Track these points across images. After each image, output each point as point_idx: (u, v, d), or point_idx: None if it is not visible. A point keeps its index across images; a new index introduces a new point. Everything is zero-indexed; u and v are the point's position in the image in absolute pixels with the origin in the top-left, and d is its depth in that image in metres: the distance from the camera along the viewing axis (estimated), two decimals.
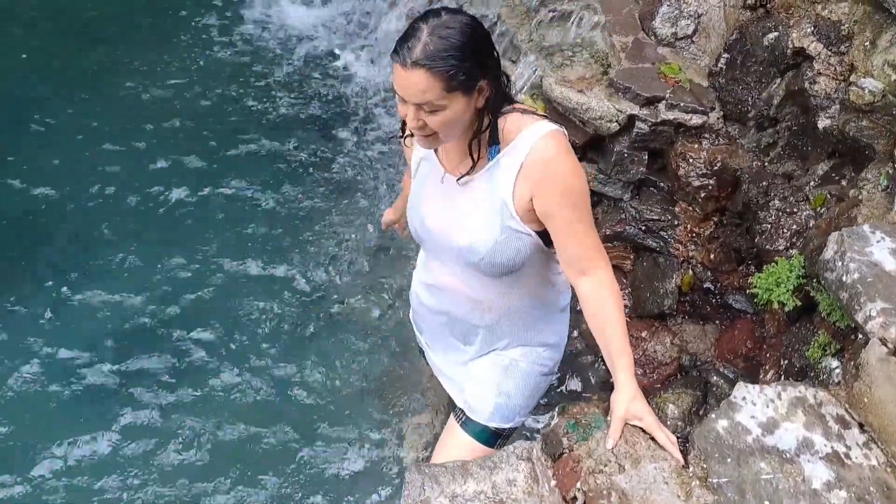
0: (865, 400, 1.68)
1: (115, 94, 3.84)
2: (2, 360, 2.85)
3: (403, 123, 1.76)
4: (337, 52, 4.03)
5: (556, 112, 2.84)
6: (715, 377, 2.50)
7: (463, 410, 2.04)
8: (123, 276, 3.16)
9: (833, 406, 1.71)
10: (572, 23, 3.02)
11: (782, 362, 2.21)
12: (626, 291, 2.92)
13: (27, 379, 2.80)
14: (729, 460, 1.58)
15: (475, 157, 1.72)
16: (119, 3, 4.37)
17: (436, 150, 1.82)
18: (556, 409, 2.53)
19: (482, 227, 1.78)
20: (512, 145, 1.71)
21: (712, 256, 2.66)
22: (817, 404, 1.71)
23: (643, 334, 2.75)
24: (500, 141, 1.72)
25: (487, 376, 2.02)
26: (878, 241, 1.78)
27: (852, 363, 1.72)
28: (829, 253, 1.82)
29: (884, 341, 1.63)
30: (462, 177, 1.76)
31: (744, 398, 1.72)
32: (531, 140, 1.70)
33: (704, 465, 1.58)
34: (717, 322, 2.67)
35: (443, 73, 1.53)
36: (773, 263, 2.13)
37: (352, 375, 2.90)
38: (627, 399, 1.66)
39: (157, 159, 3.57)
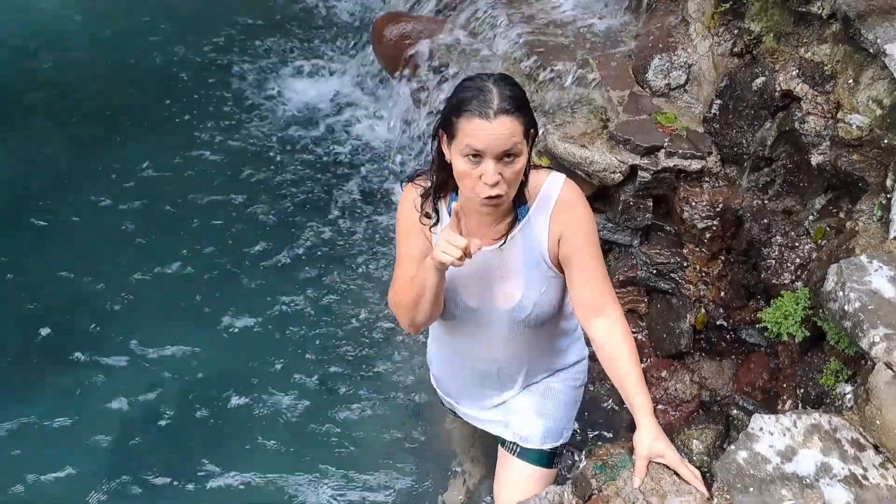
0: (878, 422, 1.74)
1: (132, 177, 3.95)
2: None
3: (426, 213, 1.85)
4: (349, 119, 4.21)
5: (562, 167, 2.98)
6: (735, 410, 2.56)
7: (515, 443, 2.11)
8: (153, 349, 3.25)
9: (848, 430, 1.78)
10: (570, 82, 3.19)
11: (798, 391, 2.27)
12: (644, 334, 3.00)
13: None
14: (752, 489, 1.65)
15: (516, 216, 1.83)
16: (131, 87, 4.53)
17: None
18: (584, 452, 2.59)
19: (526, 285, 1.88)
20: (539, 199, 1.83)
21: (722, 294, 2.75)
22: (832, 430, 1.78)
23: (663, 374, 2.82)
24: (527, 199, 1.83)
25: (528, 406, 2.12)
26: (875, 270, 1.87)
27: (863, 388, 1.80)
28: (829, 284, 1.91)
29: (889, 365, 1.71)
30: (503, 240, 1.84)
31: (761, 429, 1.79)
32: (555, 190, 1.84)
33: (728, 496, 1.65)
34: (733, 357, 2.74)
35: (523, 116, 1.67)
36: (779, 297, 2.22)
37: (385, 427, 2.98)
38: (650, 438, 1.73)
39: (177, 239, 3.68)
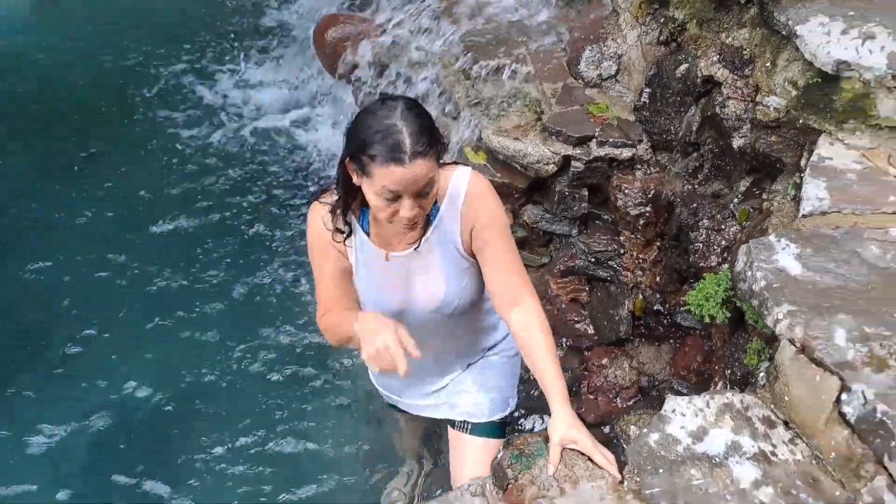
0: (786, 398, 1.77)
1: (98, 186, 3.97)
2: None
3: (338, 229, 1.83)
4: (293, 123, 4.21)
5: (498, 160, 3.00)
6: (670, 394, 2.58)
7: (465, 421, 2.16)
8: (114, 361, 3.26)
9: (759, 408, 1.80)
10: (505, 76, 3.21)
11: (726, 373, 2.30)
12: (586, 322, 3.03)
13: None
14: (661, 471, 1.67)
15: (428, 216, 1.83)
16: (94, 94, 4.53)
17: (368, 235, 1.88)
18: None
19: (447, 282, 1.91)
20: (448, 196, 1.84)
21: (658, 279, 2.78)
22: (744, 408, 1.80)
23: (603, 361, 2.84)
24: (437, 198, 1.83)
25: (471, 383, 2.17)
26: (783, 249, 1.90)
27: (772, 365, 1.82)
28: (739, 265, 1.94)
29: (792, 341, 1.73)
30: (419, 243, 1.85)
31: (674, 410, 1.81)
32: (463, 184, 1.85)
33: (638, 479, 1.66)
34: (670, 341, 2.76)
35: (435, 149, 1.65)
36: (698, 281, 2.25)
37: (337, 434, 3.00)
38: (564, 425, 1.75)
39: (140, 248, 3.71)
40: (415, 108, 1.66)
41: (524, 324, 1.87)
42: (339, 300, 1.92)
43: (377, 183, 1.64)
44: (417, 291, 1.93)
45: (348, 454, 2.94)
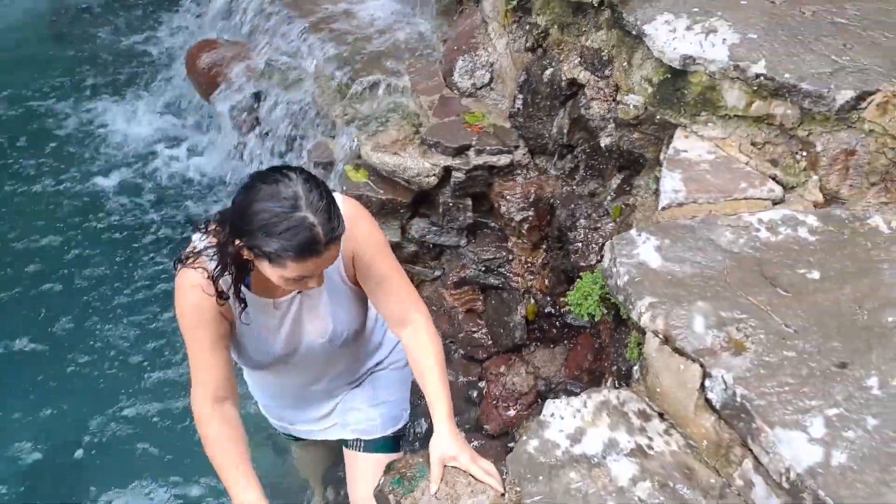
0: (658, 390, 1.80)
1: None
2: None
3: (219, 293, 1.69)
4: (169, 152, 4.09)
5: (380, 176, 2.98)
6: (549, 399, 2.60)
7: (357, 439, 2.12)
8: None
9: (635, 402, 1.83)
10: (381, 91, 3.19)
11: (613, 369, 2.33)
12: (483, 332, 3.03)
13: None
14: (541, 478, 1.66)
15: None
16: None
17: (250, 288, 1.78)
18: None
19: (334, 314, 1.87)
20: None
21: (546, 282, 2.80)
22: (620, 404, 1.82)
23: (501, 369, 2.85)
24: None
25: (361, 399, 2.13)
26: (643, 242, 1.94)
27: (643, 358, 1.85)
28: (606, 261, 1.97)
29: (656, 332, 1.76)
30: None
31: (552, 414, 1.82)
32: None
33: (518, 489, 1.65)
34: (564, 342, 2.79)
35: (342, 229, 1.59)
36: (578, 280, 2.27)
37: None
38: (443, 443, 1.73)
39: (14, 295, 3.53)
40: (312, 185, 1.57)
41: (413, 343, 1.87)
42: (219, 381, 1.77)
43: (288, 273, 1.57)
44: (307, 331, 1.89)
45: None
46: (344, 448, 2.18)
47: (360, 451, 2.13)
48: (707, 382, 1.66)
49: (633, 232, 1.98)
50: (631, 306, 1.83)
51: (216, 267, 1.67)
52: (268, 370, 1.99)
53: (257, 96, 3.50)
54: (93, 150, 4.20)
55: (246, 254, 1.61)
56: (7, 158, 4.15)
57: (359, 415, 2.12)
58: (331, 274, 1.82)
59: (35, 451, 3.04)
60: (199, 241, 1.74)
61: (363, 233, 1.81)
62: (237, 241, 1.59)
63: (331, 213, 1.57)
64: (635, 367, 1.95)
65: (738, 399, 1.60)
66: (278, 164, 1.71)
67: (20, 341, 3.36)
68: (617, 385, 2.26)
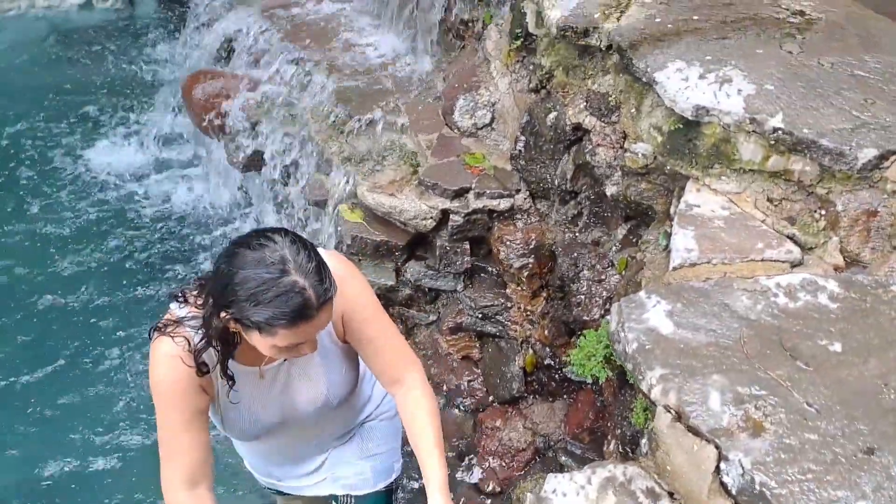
0: (668, 468, 1.67)
1: None
2: None
3: (200, 365, 1.56)
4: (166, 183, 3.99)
5: (376, 217, 2.86)
6: (564, 457, 2.48)
7: (348, 495, 2.00)
8: None
9: (643, 479, 1.70)
10: (379, 128, 3.09)
11: (617, 432, 2.20)
12: (479, 381, 2.90)
13: None
14: None
15: None
16: None
17: (234, 358, 1.66)
18: None
19: (327, 378, 1.77)
20: None
21: (546, 332, 2.68)
22: (627, 481, 1.70)
23: (497, 423, 2.71)
24: None
25: (350, 453, 2.01)
26: (653, 306, 1.82)
27: (652, 431, 1.73)
28: (613, 325, 1.85)
29: (668, 408, 1.64)
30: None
31: (554, 490, 1.69)
32: None
33: None
34: (563, 397, 2.67)
35: (334, 291, 1.50)
36: (580, 338, 2.15)
37: None
38: None
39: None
40: (299, 247, 1.47)
41: (406, 405, 1.77)
42: (194, 465, 1.63)
43: (280, 342, 1.47)
44: (298, 397, 1.77)
45: None
46: (333, 503, 2.05)
47: None
48: (723, 465, 1.54)
49: (642, 294, 1.86)
50: (640, 377, 1.70)
51: (200, 340, 1.54)
52: (257, 440, 1.87)
53: (253, 129, 3.39)
54: (84, 177, 4.10)
55: (233, 326, 1.49)
56: None
57: (348, 468, 2.01)
58: (321, 336, 1.69)
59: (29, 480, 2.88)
60: (177, 309, 1.61)
61: (353, 292, 1.70)
62: (222, 314, 1.46)
63: (321, 274, 1.47)
64: (643, 440, 1.83)
65: (757, 486, 1.47)
66: (261, 228, 1.60)
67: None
68: (622, 450, 2.13)
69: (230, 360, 1.62)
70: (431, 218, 2.75)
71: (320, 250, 1.69)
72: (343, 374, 1.80)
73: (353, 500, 2.00)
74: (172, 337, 1.56)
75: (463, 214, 2.74)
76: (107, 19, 5.19)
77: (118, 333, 3.38)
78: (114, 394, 3.18)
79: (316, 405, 1.79)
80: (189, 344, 1.55)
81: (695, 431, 1.58)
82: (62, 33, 5.10)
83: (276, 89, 3.43)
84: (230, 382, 1.61)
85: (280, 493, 2.20)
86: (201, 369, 1.56)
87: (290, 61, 3.44)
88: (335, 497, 2.04)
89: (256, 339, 1.49)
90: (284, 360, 1.69)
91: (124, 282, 3.59)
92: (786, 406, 1.58)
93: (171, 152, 4.03)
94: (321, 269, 1.47)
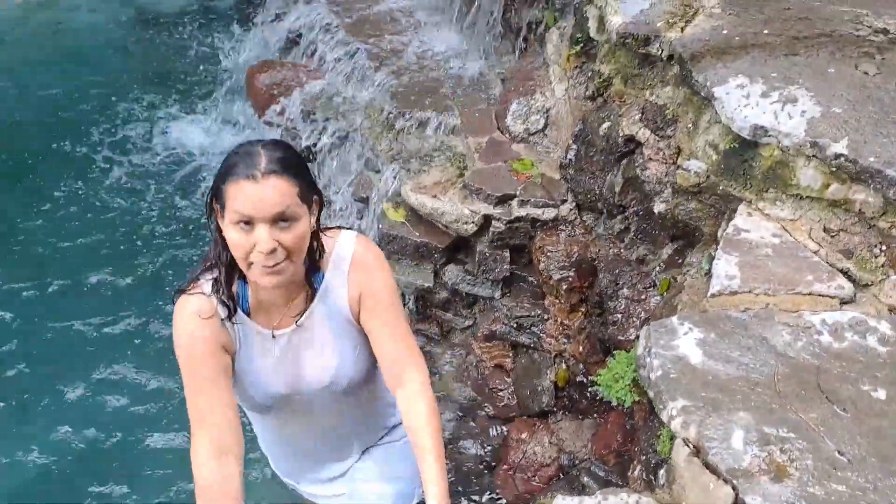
0: (683, 503, 1.58)
1: (33, 223, 3.86)
2: None
3: (230, 308, 1.63)
4: None
5: (419, 217, 2.84)
6: (587, 478, 2.39)
7: None
8: None
9: None
10: (430, 128, 3.06)
11: (643, 458, 2.11)
12: (510, 391, 2.84)
13: None
14: None
15: (312, 286, 1.68)
16: (31, 134, 4.38)
17: (249, 315, 1.69)
18: None
19: (338, 355, 1.74)
20: (332, 263, 1.70)
21: (581, 348, 2.60)
22: None
23: (523, 435, 2.65)
24: (320, 266, 1.70)
25: (373, 472, 1.97)
26: (685, 333, 1.73)
27: (670, 464, 1.64)
28: (640, 349, 1.76)
29: (686, 441, 1.55)
30: (300, 316, 1.69)
31: None
32: (348, 249, 1.71)
33: None
34: (593, 416, 2.58)
35: (296, 178, 1.53)
36: (613, 358, 2.07)
37: None
38: None
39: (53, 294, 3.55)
40: (282, 144, 1.62)
41: (408, 410, 1.71)
42: (222, 427, 1.62)
43: (231, 207, 1.51)
44: (307, 369, 1.75)
45: None
46: None
47: None
48: None
49: (674, 319, 1.77)
50: (661, 406, 1.62)
51: (213, 282, 1.62)
52: (271, 415, 1.86)
53: (309, 121, 3.42)
54: (144, 153, 4.25)
55: (218, 216, 1.57)
56: (67, 160, 4.23)
57: (370, 487, 1.96)
58: (334, 312, 1.71)
59: (49, 456, 2.98)
60: (198, 269, 1.68)
61: (375, 276, 1.70)
62: (210, 202, 1.58)
63: (284, 158, 1.53)
64: (661, 471, 1.74)
65: None
66: None
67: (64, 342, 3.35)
68: (646, 477, 2.04)
69: (246, 318, 1.66)
70: (473, 223, 2.70)
71: (351, 233, 1.73)
72: (355, 355, 1.76)
73: None
74: (189, 294, 1.61)
75: (505, 221, 2.68)
76: (188, 5, 5.36)
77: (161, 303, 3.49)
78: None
79: (323, 382, 1.75)
80: (204, 294, 1.61)
81: (712, 469, 1.49)
82: (144, 15, 5.30)
83: (334, 83, 3.45)
84: (231, 304, 1.63)
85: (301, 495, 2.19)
86: (227, 299, 1.61)
87: (349, 55, 3.46)
88: None
89: (224, 225, 1.55)
90: (297, 324, 1.69)
91: (170, 251, 3.70)
92: (815, 452, 1.47)
93: (230, 136, 4.12)
94: (287, 159, 1.54)
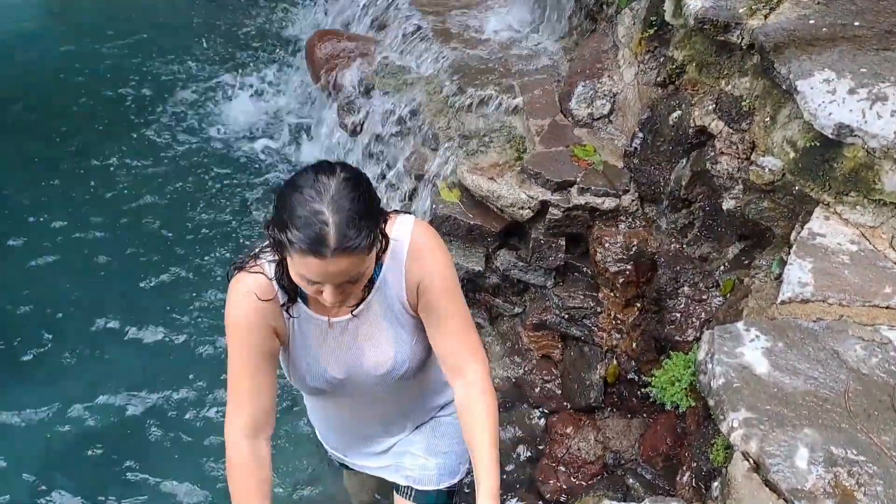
0: None
1: (84, 188, 3.93)
2: None
3: (290, 294, 1.61)
4: (281, 137, 4.10)
5: (473, 199, 2.78)
6: (632, 479, 2.32)
7: (409, 487, 1.96)
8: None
9: None
10: (491, 108, 2.99)
11: (693, 465, 2.03)
12: (556, 383, 2.77)
13: None
14: None
15: (370, 277, 1.62)
16: (90, 97, 4.47)
17: (307, 303, 1.67)
18: None
19: (395, 343, 1.72)
20: (390, 252, 1.64)
21: (634, 345, 2.51)
22: None
23: (569, 430, 2.59)
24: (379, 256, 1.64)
25: (419, 445, 1.97)
26: (751, 341, 1.64)
27: (725, 477, 1.56)
28: (701, 354, 1.68)
29: (746, 455, 1.47)
30: (357, 307, 1.66)
31: None
32: (405, 237, 1.65)
33: None
34: (643, 415, 2.50)
35: (363, 246, 1.43)
36: (669, 359, 1.99)
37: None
38: None
39: (112, 257, 3.63)
40: (351, 188, 1.43)
41: (466, 401, 1.69)
42: (258, 412, 1.64)
43: (295, 267, 1.46)
44: (364, 358, 1.73)
45: None
46: (394, 492, 2.02)
47: (410, 499, 1.96)
48: None
49: (740, 325, 1.68)
50: (722, 416, 1.54)
51: (276, 268, 1.57)
52: (325, 397, 1.85)
53: (367, 94, 3.38)
54: (202, 119, 4.28)
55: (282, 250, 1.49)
56: (124, 122, 4.30)
57: (414, 461, 1.96)
58: (392, 302, 1.67)
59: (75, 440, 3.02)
60: (259, 244, 1.63)
61: (435, 265, 1.64)
62: (271, 232, 1.48)
63: (354, 222, 1.40)
64: (716, 483, 1.66)
65: None
66: (332, 161, 1.55)
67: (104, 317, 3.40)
68: (695, 485, 1.97)
69: (304, 306, 1.63)
70: (529, 208, 2.63)
71: (409, 218, 1.67)
72: (412, 346, 1.73)
73: (413, 493, 1.96)
74: (249, 272, 1.58)
75: (563, 209, 2.60)
76: None
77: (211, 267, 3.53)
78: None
79: (380, 370, 1.73)
80: (265, 275, 1.57)
81: (773, 487, 1.41)
82: None
83: (394, 56, 3.39)
84: (290, 302, 1.60)
85: (346, 466, 2.19)
86: (285, 291, 1.57)
87: (412, 29, 3.39)
88: (396, 486, 2.00)
89: (289, 262, 1.48)
90: (353, 315, 1.66)
91: (225, 225, 3.72)
92: (886, 478, 1.38)
93: (287, 104, 4.12)
94: (358, 219, 1.40)
